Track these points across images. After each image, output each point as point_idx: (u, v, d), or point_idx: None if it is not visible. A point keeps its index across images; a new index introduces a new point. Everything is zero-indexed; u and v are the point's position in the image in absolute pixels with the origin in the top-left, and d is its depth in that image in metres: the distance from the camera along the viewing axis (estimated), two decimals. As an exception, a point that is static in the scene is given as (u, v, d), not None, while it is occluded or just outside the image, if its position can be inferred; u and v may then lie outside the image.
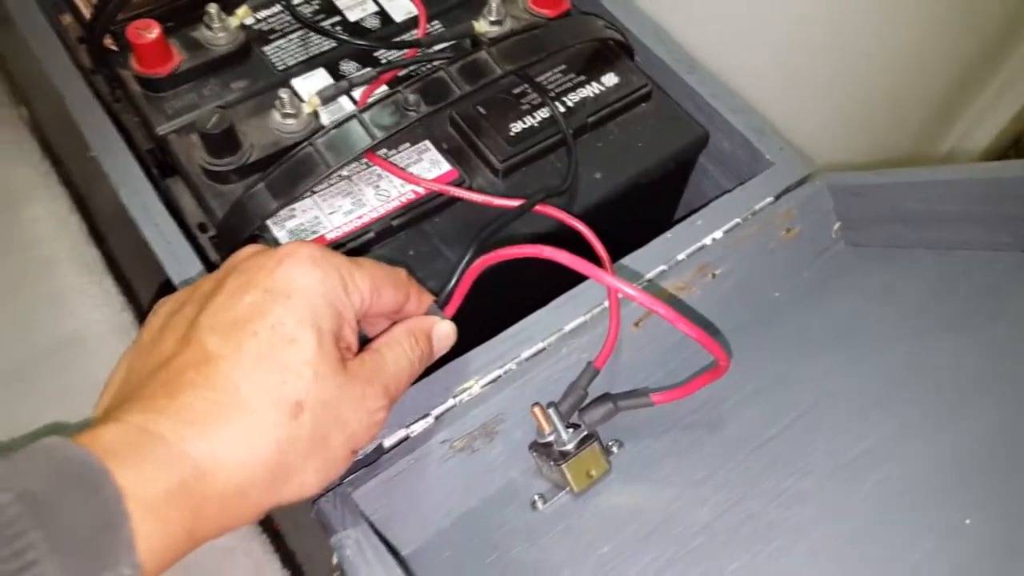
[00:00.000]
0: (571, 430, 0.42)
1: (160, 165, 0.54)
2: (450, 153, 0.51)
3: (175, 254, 0.47)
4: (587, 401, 0.44)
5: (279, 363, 0.31)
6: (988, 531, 0.34)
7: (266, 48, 0.55)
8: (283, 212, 0.48)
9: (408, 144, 0.51)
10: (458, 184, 0.49)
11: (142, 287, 0.51)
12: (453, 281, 0.46)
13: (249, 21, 0.56)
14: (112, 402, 0.32)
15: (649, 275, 0.47)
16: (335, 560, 0.37)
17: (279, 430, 0.31)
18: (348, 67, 0.55)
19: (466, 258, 0.46)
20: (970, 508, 0.35)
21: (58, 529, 0.26)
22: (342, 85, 0.52)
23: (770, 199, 0.50)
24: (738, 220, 0.49)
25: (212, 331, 0.32)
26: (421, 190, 0.49)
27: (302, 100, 0.52)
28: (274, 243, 0.47)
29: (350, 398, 0.33)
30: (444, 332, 0.40)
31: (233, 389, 0.30)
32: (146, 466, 0.28)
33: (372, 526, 0.38)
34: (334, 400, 0.32)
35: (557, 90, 0.53)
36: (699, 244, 0.48)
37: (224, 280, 0.34)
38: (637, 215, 0.55)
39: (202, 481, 0.29)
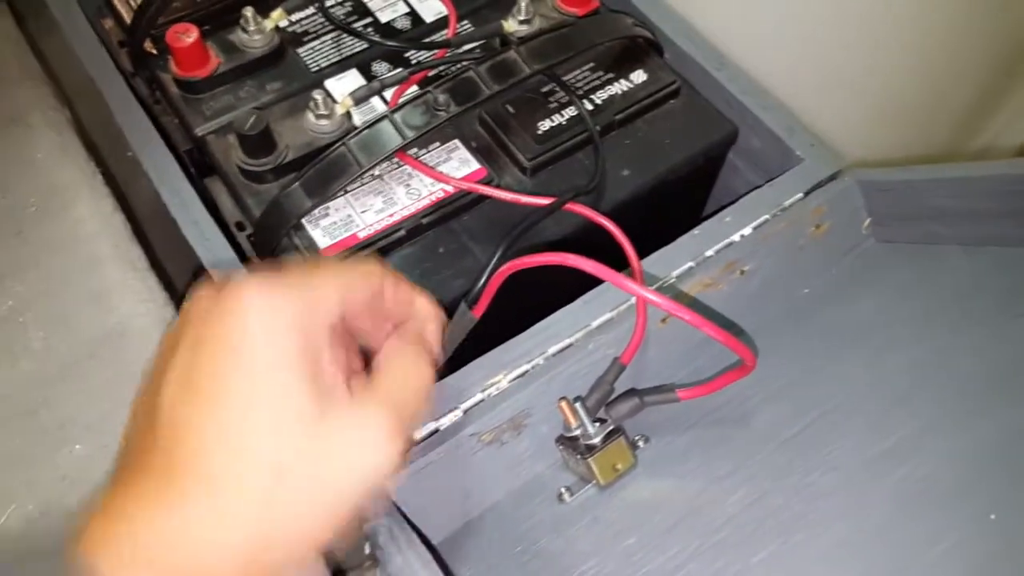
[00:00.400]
0: (597, 424, 0.43)
1: (198, 165, 0.55)
2: (479, 152, 0.52)
3: (214, 251, 0.48)
4: (613, 396, 0.44)
5: (245, 429, 0.28)
6: (1012, 526, 0.35)
7: (300, 50, 0.56)
8: (317, 211, 0.49)
9: (438, 143, 0.52)
10: (487, 182, 0.50)
11: (182, 283, 0.53)
12: (481, 282, 0.47)
13: (284, 24, 0.57)
14: (115, 477, 0.31)
15: (677, 272, 0.47)
16: (367, 549, 0.39)
17: (254, 511, 0.28)
18: (380, 67, 0.56)
19: (495, 258, 0.47)
20: (994, 504, 0.36)
21: None
22: (374, 86, 0.53)
23: (800, 195, 0.49)
24: (767, 216, 0.49)
25: (181, 402, 0.29)
26: (451, 188, 0.50)
27: (335, 101, 0.53)
28: (308, 242, 0.48)
29: (342, 444, 0.29)
30: (426, 311, 0.37)
31: (208, 477, 0.28)
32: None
33: (404, 516, 0.39)
34: (314, 455, 0.29)
35: (585, 88, 0.54)
36: (727, 241, 0.48)
37: (180, 336, 0.31)
38: (665, 212, 0.55)
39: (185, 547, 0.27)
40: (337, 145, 0.47)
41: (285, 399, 0.29)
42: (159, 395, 0.30)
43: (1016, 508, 0.35)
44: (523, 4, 0.56)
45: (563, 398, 0.43)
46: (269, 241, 0.49)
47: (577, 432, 0.43)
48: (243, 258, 0.49)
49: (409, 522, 0.39)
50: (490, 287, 0.44)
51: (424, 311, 0.37)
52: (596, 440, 0.42)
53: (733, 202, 0.50)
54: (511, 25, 0.56)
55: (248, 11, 0.54)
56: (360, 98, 0.53)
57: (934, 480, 0.38)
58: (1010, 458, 0.37)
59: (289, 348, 0.29)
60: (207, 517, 0.28)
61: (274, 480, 0.28)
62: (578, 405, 0.43)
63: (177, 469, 0.28)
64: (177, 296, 0.50)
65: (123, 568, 0.27)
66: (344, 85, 0.55)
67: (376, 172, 0.51)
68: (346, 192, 0.50)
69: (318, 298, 0.31)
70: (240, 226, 0.55)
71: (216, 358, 0.29)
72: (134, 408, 0.32)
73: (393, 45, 0.55)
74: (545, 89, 0.54)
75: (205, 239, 0.49)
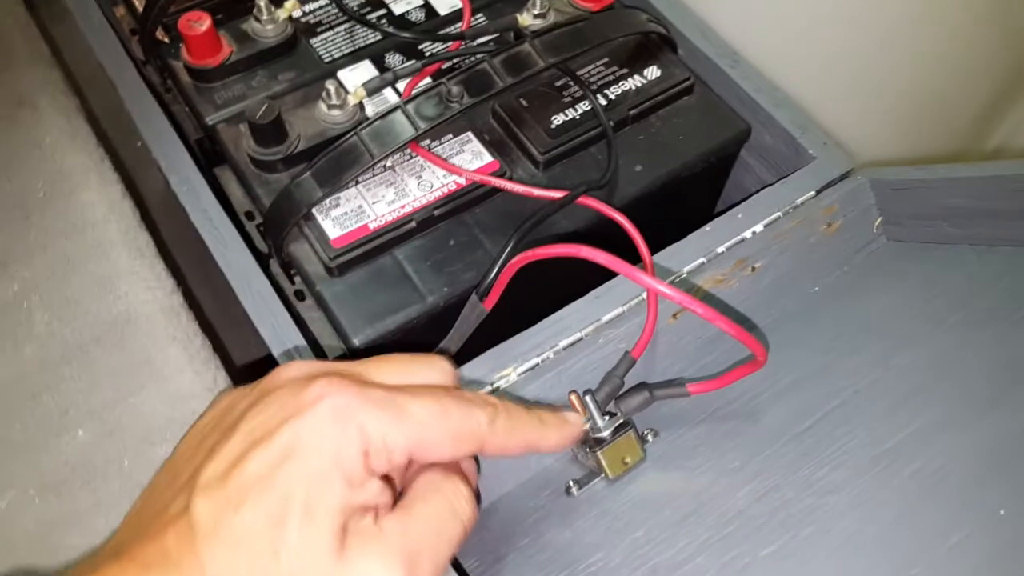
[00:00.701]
0: (607, 418, 0.42)
1: (208, 154, 0.55)
2: (492, 145, 0.52)
3: (223, 240, 0.48)
4: (623, 390, 0.44)
5: (252, 550, 0.27)
6: (1022, 521, 0.34)
7: (313, 40, 0.56)
8: (328, 201, 0.49)
9: (451, 135, 0.52)
10: (499, 175, 0.50)
11: (190, 271, 0.53)
12: (492, 275, 0.46)
13: (297, 14, 0.57)
14: (119, 538, 0.31)
15: (688, 268, 0.47)
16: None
17: None
18: (393, 59, 0.56)
19: (507, 251, 0.47)
20: (1005, 499, 0.35)
21: None
22: (387, 77, 0.53)
23: (812, 193, 0.49)
24: (779, 214, 0.49)
25: (203, 493, 0.28)
26: (463, 181, 0.50)
27: (348, 92, 0.53)
28: (319, 232, 0.48)
29: None
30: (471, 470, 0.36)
31: (200, 574, 0.27)
32: None
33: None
34: None
35: (599, 83, 0.54)
36: (739, 237, 0.48)
37: (248, 410, 0.31)
38: (677, 208, 0.55)
39: None
40: (349, 135, 0.47)
41: (305, 533, 0.28)
42: (195, 480, 0.29)
43: (1025, 504, 0.35)
44: (538, -2, 0.56)
45: (573, 391, 0.43)
46: (278, 230, 0.48)
47: (586, 425, 0.42)
48: (252, 248, 0.49)
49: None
50: (501, 279, 0.44)
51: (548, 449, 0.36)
52: (605, 433, 0.42)
53: (745, 199, 0.50)
54: (525, 19, 0.56)
55: (261, 0, 0.54)
56: (373, 89, 0.53)
57: (944, 476, 0.37)
58: (1020, 454, 0.37)
59: (330, 483, 0.28)
60: None
61: None
62: (588, 398, 0.42)
63: (178, 569, 0.27)
64: (185, 285, 0.50)
65: None
66: (357, 76, 0.55)
67: (388, 163, 0.51)
68: (357, 183, 0.50)
69: (378, 453, 0.29)
70: (249, 216, 0.55)
71: (267, 462, 0.28)
72: (165, 466, 0.32)
73: (407, 36, 0.55)
74: (559, 83, 0.53)
75: (214, 228, 0.49)
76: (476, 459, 0.39)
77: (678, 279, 0.47)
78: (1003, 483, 0.36)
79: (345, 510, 0.28)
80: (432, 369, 0.35)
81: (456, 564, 0.37)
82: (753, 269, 0.48)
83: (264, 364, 0.42)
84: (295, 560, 0.27)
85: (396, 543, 0.29)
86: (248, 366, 0.52)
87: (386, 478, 0.31)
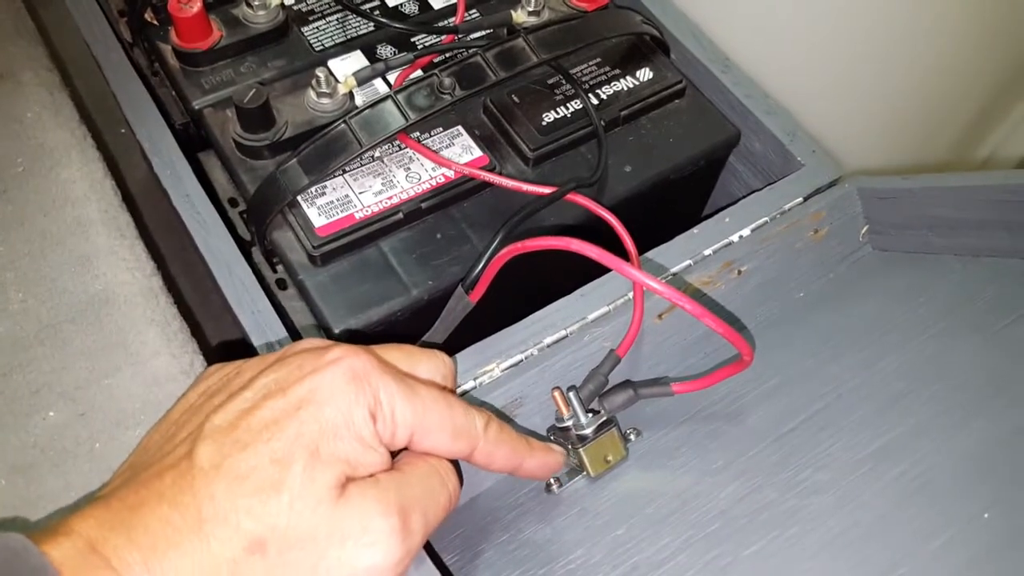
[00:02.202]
0: (590, 415, 0.42)
1: (193, 139, 0.54)
2: (482, 140, 0.51)
3: (205, 226, 0.47)
4: (607, 387, 0.44)
5: (253, 486, 0.27)
6: (1006, 525, 0.35)
7: (305, 28, 0.56)
8: (314, 189, 0.48)
9: (441, 128, 0.52)
10: (489, 170, 0.50)
11: (171, 255, 0.52)
12: (480, 267, 0.46)
13: (289, 1, 0.56)
14: (116, 482, 0.30)
15: (674, 269, 0.47)
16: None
17: (229, 568, 0.27)
18: (385, 51, 0.55)
19: (494, 244, 0.46)
20: (988, 503, 0.36)
21: None
22: (378, 67, 0.53)
23: (799, 200, 0.50)
24: (766, 219, 0.49)
25: (210, 436, 0.29)
26: (451, 174, 0.49)
27: (338, 80, 0.52)
28: (304, 220, 0.47)
29: (340, 534, 0.28)
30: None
31: (195, 510, 0.27)
32: None
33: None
34: (312, 538, 0.28)
35: (591, 82, 0.54)
36: (726, 241, 0.48)
37: (265, 371, 0.31)
38: (665, 211, 0.55)
39: None
40: (338, 123, 0.46)
41: (308, 473, 0.28)
42: (202, 426, 0.29)
43: (1010, 507, 0.35)
44: (533, -5, 0.56)
45: (556, 387, 0.43)
46: (262, 217, 0.48)
47: (569, 422, 0.42)
48: (234, 234, 0.48)
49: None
50: (488, 272, 0.44)
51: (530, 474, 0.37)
52: (588, 431, 0.42)
53: (732, 204, 0.50)
54: (520, 16, 0.55)
55: (254, -15, 0.54)
56: (363, 79, 0.52)
57: (928, 479, 0.37)
58: (1004, 459, 0.37)
59: (339, 436, 0.29)
60: (187, 571, 0.27)
61: (247, 553, 0.27)
62: (571, 394, 0.42)
63: (175, 506, 0.27)
64: (165, 268, 0.49)
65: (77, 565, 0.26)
66: (348, 66, 0.54)
67: (376, 154, 0.50)
68: (344, 172, 0.49)
69: (385, 421, 0.31)
70: (233, 202, 0.54)
71: (279, 409, 0.29)
72: (156, 428, 0.32)
73: (400, 27, 0.55)
74: (551, 81, 0.53)
75: (196, 213, 0.48)
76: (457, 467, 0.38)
77: (666, 278, 0.47)
78: (988, 487, 0.36)
79: (350, 462, 0.29)
80: (433, 361, 0.36)
81: (435, 559, 0.36)
82: (739, 272, 0.48)
83: (242, 350, 0.41)
84: (296, 500, 0.27)
85: (391, 495, 0.29)
86: (226, 352, 0.51)
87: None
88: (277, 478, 0.28)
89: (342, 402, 0.29)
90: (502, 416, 0.43)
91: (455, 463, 0.35)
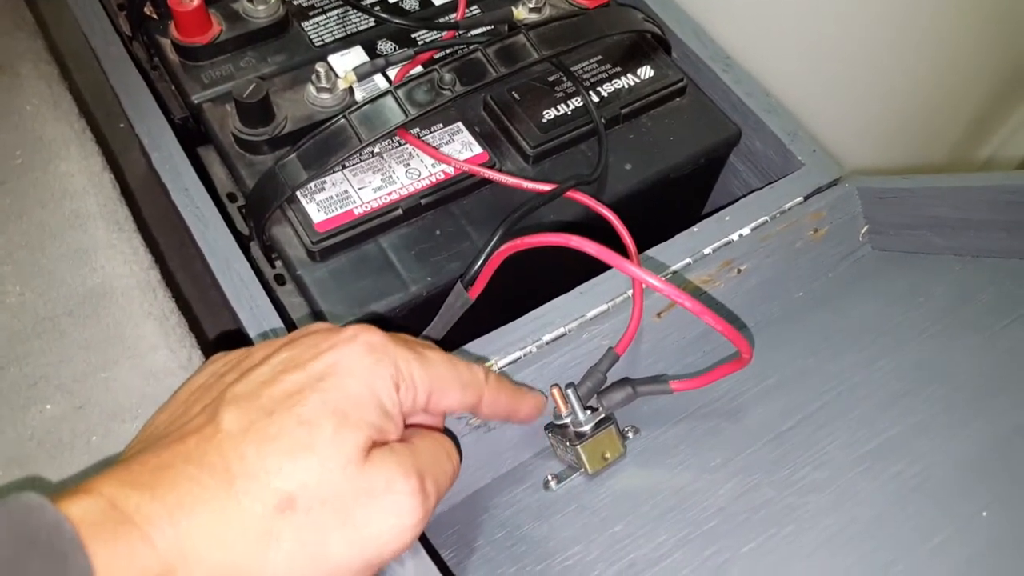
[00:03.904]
0: (588, 412, 0.42)
1: (192, 133, 0.54)
2: (482, 136, 0.51)
3: (204, 220, 0.47)
4: (606, 385, 0.43)
5: (283, 446, 0.28)
6: (1004, 524, 0.35)
7: (305, 24, 0.56)
8: (313, 184, 0.48)
9: (441, 124, 0.51)
10: (489, 167, 0.49)
11: (169, 250, 0.52)
12: (479, 263, 0.46)
13: (290, -4, 0.56)
14: (130, 453, 0.30)
15: (674, 267, 0.47)
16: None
17: (258, 525, 0.27)
18: (385, 47, 0.55)
19: (494, 240, 0.46)
20: (987, 502, 0.36)
21: None
22: (378, 63, 0.53)
23: (799, 199, 0.49)
24: (766, 218, 0.49)
25: (233, 402, 0.29)
26: (451, 170, 0.49)
27: (338, 76, 0.52)
28: (303, 215, 0.47)
29: (366, 494, 0.29)
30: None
31: (223, 469, 0.27)
32: (113, 550, 0.25)
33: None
34: (340, 496, 0.28)
35: (592, 80, 0.54)
36: (726, 239, 0.48)
37: (278, 350, 0.32)
38: (665, 209, 0.55)
39: None
40: (338, 117, 0.46)
41: (336, 436, 0.28)
42: (223, 396, 0.30)
43: (1008, 506, 0.35)
44: (534, -8, 0.55)
45: (555, 384, 0.43)
46: (261, 212, 0.47)
47: (567, 420, 0.42)
48: (233, 230, 0.48)
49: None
50: (488, 268, 0.44)
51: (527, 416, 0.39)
52: (586, 428, 0.42)
53: (732, 203, 0.50)
54: (521, 12, 0.55)
55: (255, -20, 0.54)
56: (364, 74, 0.52)
57: (927, 478, 0.37)
58: (1003, 459, 0.37)
59: (364, 403, 0.30)
60: (214, 527, 0.26)
61: (277, 511, 0.27)
62: (570, 391, 0.42)
63: (201, 466, 0.27)
64: (163, 262, 0.49)
65: (116, 559, 0.25)
66: (348, 62, 0.54)
67: (376, 149, 0.50)
68: (344, 167, 0.49)
69: (407, 388, 0.32)
70: (232, 197, 0.54)
71: (301, 382, 0.30)
72: (185, 386, 0.33)
73: (400, 23, 0.54)
74: (552, 78, 0.53)
75: (195, 207, 0.48)
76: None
77: (665, 277, 0.47)
78: (986, 486, 0.36)
79: (375, 428, 0.30)
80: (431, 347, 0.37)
81: (432, 555, 0.36)
82: (739, 271, 0.48)
83: (240, 344, 0.41)
84: (327, 460, 0.28)
85: (409, 459, 0.30)
86: (224, 347, 0.51)
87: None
88: (307, 439, 0.28)
89: (364, 374, 0.30)
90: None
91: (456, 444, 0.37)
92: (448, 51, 0.55)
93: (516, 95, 0.52)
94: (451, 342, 0.43)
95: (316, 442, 0.28)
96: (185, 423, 0.29)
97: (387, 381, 0.31)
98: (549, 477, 0.42)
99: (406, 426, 0.33)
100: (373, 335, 0.32)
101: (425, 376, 0.32)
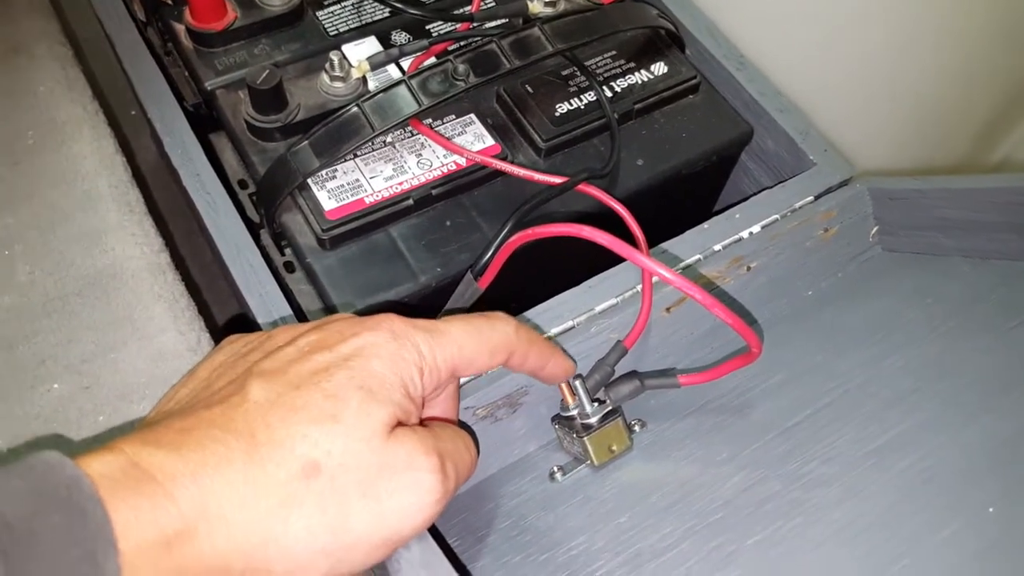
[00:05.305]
0: (596, 404, 0.42)
1: (205, 120, 0.54)
2: (494, 128, 0.51)
3: (215, 206, 0.47)
4: (613, 378, 0.43)
5: (309, 416, 0.28)
6: (1011, 519, 0.35)
7: (320, 13, 0.56)
8: (324, 172, 0.48)
9: (453, 115, 0.51)
10: (501, 159, 0.50)
11: (180, 237, 0.52)
12: (490, 253, 0.46)
13: (305, -15, 0.56)
14: (144, 424, 0.30)
15: (684, 263, 0.47)
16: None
17: (282, 490, 0.27)
18: (399, 37, 0.55)
19: (504, 231, 0.46)
20: (994, 497, 0.36)
21: (26, 557, 0.22)
22: (392, 52, 0.53)
23: (810, 198, 0.50)
24: (776, 216, 0.49)
25: (260, 376, 0.30)
26: (463, 162, 0.49)
27: (351, 65, 0.52)
28: (313, 203, 0.47)
29: (389, 468, 0.29)
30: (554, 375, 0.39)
31: (249, 435, 0.27)
32: (134, 506, 0.25)
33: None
34: (363, 467, 0.28)
35: (605, 74, 0.54)
36: (736, 237, 0.48)
37: (303, 334, 0.32)
38: (675, 206, 0.55)
39: (185, 541, 0.25)
40: (351, 106, 0.46)
41: (362, 409, 0.29)
42: (250, 370, 0.30)
43: (1015, 502, 0.36)
44: (549, -14, 0.56)
45: (562, 376, 0.42)
46: (272, 199, 0.47)
47: (575, 411, 0.42)
48: (243, 216, 0.48)
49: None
50: (498, 258, 0.44)
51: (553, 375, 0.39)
52: (593, 420, 0.42)
53: (743, 201, 0.50)
54: (536, 6, 0.55)
55: (270, -32, 0.54)
56: (377, 64, 0.52)
57: (934, 473, 0.38)
58: (1011, 455, 0.37)
59: (389, 383, 0.30)
60: (237, 487, 0.26)
61: (302, 476, 0.27)
62: (577, 383, 0.42)
63: (226, 431, 0.27)
64: (173, 246, 0.49)
65: (136, 515, 0.25)
66: (362, 51, 0.54)
67: (388, 139, 0.50)
68: (355, 156, 0.49)
69: (430, 372, 0.32)
70: (243, 184, 0.54)
71: (327, 361, 0.30)
72: (204, 364, 0.33)
73: (415, 13, 0.54)
74: (565, 72, 0.53)
75: (206, 193, 0.48)
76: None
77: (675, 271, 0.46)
78: (993, 482, 0.36)
79: (399, 407, 0.30)
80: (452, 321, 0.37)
81: (440, 542, 0.36)
82: (748, 269, 0.48)
83: (249, 329, 0.41)
84: (352, 430, 0.28)
85: (430, 440, 0.31)
86: (233, 331, 0.51)
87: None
88: (333, 411, 0.28)
89: (390, 357, 0.31)
90: (509, 402, 0.43)
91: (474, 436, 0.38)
92: (462, 43, 0.55)
93: (529, 88, 0.52)
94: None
95: (342, 413, 0.28)
96: (211, 395, 0.30)
97: (411, 366, 0.31)
98: (555, 468, 0.42)
99: (423, 422, 0.34)
100: (396, 322, 0.33)
101: (447, 355, 0.33)
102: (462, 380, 0.41)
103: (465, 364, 0.34)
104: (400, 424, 0.30)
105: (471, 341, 0.34)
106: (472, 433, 0.41)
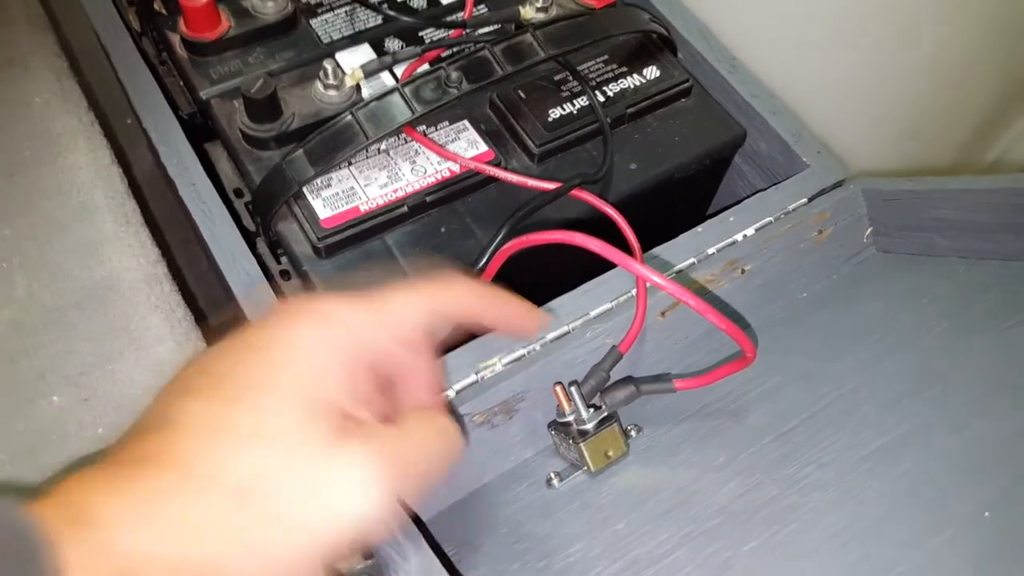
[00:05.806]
0: (592, 410, 0.42)
1: (200, 129, 0.55)
2: (488, 135, 0.52)
3: (210, 215, 0.47)
4: (609, 383, 0.44)
5: (241, 437, 0.27)
6: (1007, 524, 0.35)
7: (313, 21, 0.56)
8: (319, 180, 0.48)
9: (447, 122, 0.52)
10: (494, 165, 0.50)
11: (176, 246, 0.52)
12: (484, 261, 0.46)
13: (298, -7, 0.56)
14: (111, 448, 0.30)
15: (678, 267, 0.47)
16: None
17: (216, 519, 0.26)
18: (392, 44, 0.55)
19: (498, 238, 0.47)
20: (989, 502, 0.36)
21: None
22: (385, 60, 0.53)
23: (804, 200, 0.50)
24: (770, 219, 0.49)
25: (194, 395, 0.29)
26: (457, 168, 0.49)
27: (345, 72, 0.52)
28: (308, 211, 0.47)
29: (325, 482, 0.27)
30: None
31: (182, 465, 0.27)
32: (80, 552, 0.24)
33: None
34: (297, 485, 0.27)
35: (598, 79, 0.54)
36: (730, 240, 0.48)
37: (236, 338, 0.31)
38: (669, 209, 0.55)
39: None
40: (345, 114, 0.46)
41: (295, 416, 0.28)
42: (184, 385, 0.29)
43: (1010, 507, 0.36)
44: (541, -8, 0.56)
45: (558, 382, 0.43)
46: (268, 208, 0.48)
47: (571, 417, 0.42)
48: (240, 227, 0.48)
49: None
50: (492, 265, 0.44)
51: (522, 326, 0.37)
52: (589, 426, 0.42)
53: (737, 203, 0.50)
54: (528, 12, 0.56)
55: (264, -23, 0.54)
56: (371, 71, 0.52)
57: (930, 478, 0.38)
58: (1006, 460, 0.37)
59: (324, 375, 0.29)
60: (173, 525, 0.26)
61: (236, 503, 0.26)
62: (573, 389, 0.42)
63: (159, 464, 0.27)
64: (170, 256, 0.49)
65: (85, 562, 0.25)
66: (355, 59, 0.54)
67: (382, 146, 0.50)
68: (350, 164, 0.49)
69: (381, 342, 0.30)
70: (238, 193, 0.54)
71: (263, 365, 0.29)
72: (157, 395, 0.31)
73: (408, 20, 0.55)
74: (558, 77, 0.53)
75: (202, 202, 0.48)
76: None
77: (669, 276, 0.47)
78: (989, 487, 0.37)
79: (336, 405, 0.29)
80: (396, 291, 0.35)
81: (436, 550, 0.36)
82: (743, 271, 0.48)
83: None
84: (284, 450, 0.27)
85: (388, 448, 0.29)
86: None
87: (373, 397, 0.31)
88: (263, 430, 0.27)
89: (317, 342, 0.29)
90: (506, 408, 0.43)
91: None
92: (455, 49, 0.55)
93: (522, 94, 0.53)
94: (456, 340, 0.44)
95: (273, 432, 0.27)
96: (153, 415, 0.29)
97: (348, 354, 0.30)
98: (552, 475, 0.43)
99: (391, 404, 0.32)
100: (321, 302, 0.30)
101: (390, 336, 0.31)
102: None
103: (414, 344, 0.32)
104: (344, 420, 0.29)
105: (416, 314, 0.32)
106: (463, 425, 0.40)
